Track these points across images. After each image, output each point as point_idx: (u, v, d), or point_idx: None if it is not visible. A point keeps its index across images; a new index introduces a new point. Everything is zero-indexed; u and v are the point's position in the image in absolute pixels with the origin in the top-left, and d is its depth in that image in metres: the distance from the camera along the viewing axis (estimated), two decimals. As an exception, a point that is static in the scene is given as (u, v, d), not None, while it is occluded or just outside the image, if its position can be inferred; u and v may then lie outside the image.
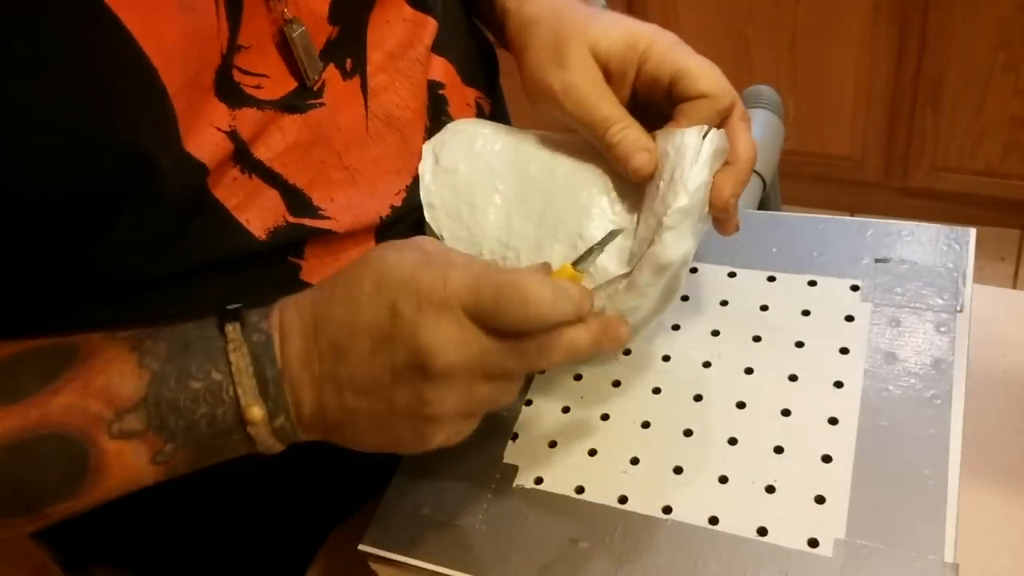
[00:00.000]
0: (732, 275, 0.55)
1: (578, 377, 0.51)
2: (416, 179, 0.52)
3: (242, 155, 0.43)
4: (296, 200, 0.46)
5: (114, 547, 0.60)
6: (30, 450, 0.36)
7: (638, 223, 0.47)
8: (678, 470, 0.46)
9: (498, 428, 0.50)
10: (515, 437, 0.49)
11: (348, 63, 0.49)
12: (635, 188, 0.48)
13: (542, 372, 0.52)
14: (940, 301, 0.50)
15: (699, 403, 0.49)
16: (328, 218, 0.48)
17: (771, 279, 0.54)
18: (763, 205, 0.89)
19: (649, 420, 0.49)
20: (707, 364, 0.51)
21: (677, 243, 0.44)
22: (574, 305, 0.38)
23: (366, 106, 0.50)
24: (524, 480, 0.48)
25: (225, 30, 0.41)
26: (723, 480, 0.45)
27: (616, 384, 0.51)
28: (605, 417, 0.49)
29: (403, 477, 0.49)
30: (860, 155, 1.74)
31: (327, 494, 0.57)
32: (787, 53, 1.63)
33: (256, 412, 0.38)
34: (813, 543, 0.42)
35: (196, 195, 0.42)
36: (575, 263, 0.44)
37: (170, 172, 0.39)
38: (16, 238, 0.38)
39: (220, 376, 0.38)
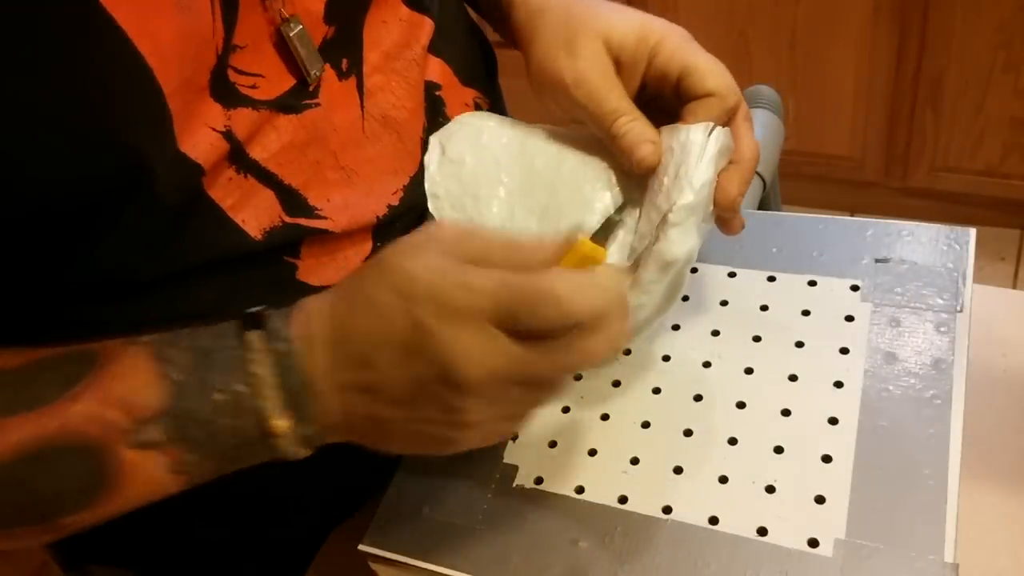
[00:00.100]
0: (732, 275, 0.55)
1: (578, 377, 0.51)
2: (413, 179, 0.53)
3: (237, 155, 0.43)
4: (292, 200, 0.46)
5: (114, 547, 0.60)
6: (47, 460, 0.36)
7: (639, 218, 0.47)
8: (678, 470, 0.46)
9: (498, 428, 0.50)
10: (515, 437, 0.49)
11: (344, 63, 0.49)
12: (639, 184, 0.48)
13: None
14: (940, 301, 0.50)
15: (699, 403, 0.49)
16: (324, 218, 0.48)
17: (771, 279, 0.54)
18: (763, 205, 0.89)
19: (649, 420, 0.49)
20: (707, 364, 0.51)
21: (682, 240, 0.44)
22: (608, 299, 0.36)
23: (362, 106, 0.50)
24: (524, 480, 0.48)
25: (220, 30, 0.40)
26: (723, 480, 0.45)
27: (616, 384, 0.51)
28: (605, 417, 0.49)
29: (403, 477, 0.49)
30: (860, 155, 1.74)
31: (327, 494, 0.57)
32: (787, 53, 1.63)
33: (281, 424, 0.37)
34: (813, 543, 0.42)
35: (192, 196, 0.42)
36: (594, 236, 0.42)
37: (166, 173, 0.39)
38: (14, 239, 0.38)
39: (243, 388, 0.37)
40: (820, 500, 0.43)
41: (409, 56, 0.53)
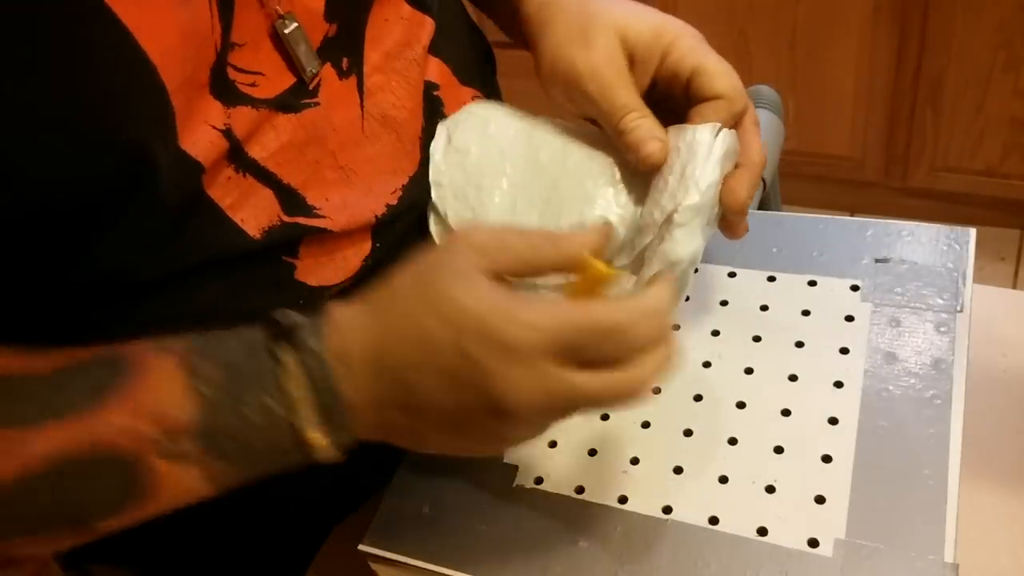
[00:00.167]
0: (732, 275, 0.55)
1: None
2: (412, 179, 0.52)
3: (236, 154, 0.43)
4: (290, 199, 0.46)
5: (114, 546, 0.60)
6: (79, 469, 0.35)
7: (640, 215, 0.47)
8: (678, 470, 0.46)
9: (498, 428, 0.50)
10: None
11: (344, 62, 0.49)
12: (642, 182, 0.48)
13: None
14: (940, 301, 0.50)
15: (699, 403, 0.49)
16: (323, 217, 0.47)
17: (771, 279, 0.54)
18: (763, 205, 0.89)
19: (649, 420, 0.49)
20: (707, 364, 0.51)
21: (687, 240, 0.44)
22: (664, 324, 0.38)
23: (362, 106, 0.50)
24: (524, 480, 0.48)
25: (218, 27, 0.40)
26: (723, 480, 0.45)
27: (616, 384, 0.51)
28: (605, 417, 0.49)
29: (404, 477, 0.49)
30: (860, 155, 1.74)
31: (328, 492, 0.57)
32: (787, 53, 1.63)
33: (317, 437, 0.37)
34: (813, 543, 0.42)
35: (192, 194, 0.42)
36: (608, 262, 0.42)
37: (168, 170, 0.39)
38: (16, 239, 0.38)
39: (277, 406, 0.37)
40: (820, 500, 0.43)
41: (410, 56, 0.53)
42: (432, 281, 0.37)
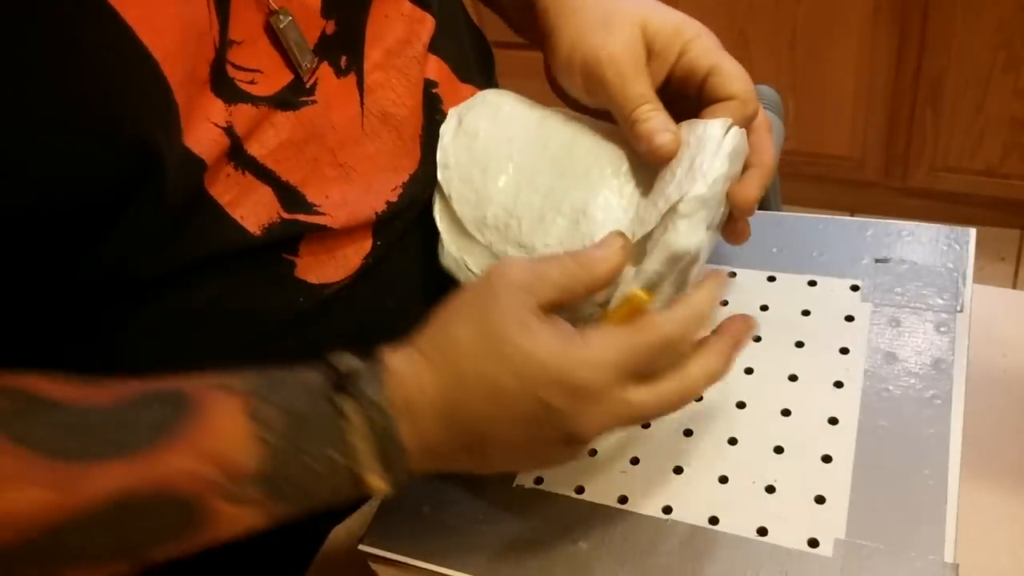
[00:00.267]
0: (732, 275, 0.55)
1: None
2: (412, 177, 0.52)
3: (236, 151, 0.43)
4: (290, 197, 0.46)
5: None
6: (141, 507, 0.36)
7: (644, 205, 0.47)
8: (678, 470, 0.46)
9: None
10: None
11: (343, 60, 0.49)
12: (647, 175, 0.48)
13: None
14: (940, 301, 0.50)
15: (699, 403, 0.49)
16: (323, 214, 0.48)
17: (771, 279, 0.54)
18: (763, 205, 0.89)
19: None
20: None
21: (691, 232, 0.43)
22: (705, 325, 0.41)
23: (362, 103, 0.50)
24: (524, 480, 0.48)
25: (216, 23, 0.40)
26: (723, 480, 0.45)
27: (616, 384, 0.51)
28: (605, 417, 0.49)
29: (403, 477, 0.49)
30: (860, 155, 1.74)
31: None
32: (787, 53, 1.63)
33: (378, 483, 0.38)
34: (813, 543, 0.42)
35: (193, 192, 0.42)
36: (646, 290, 0.43)
37: (172, 167, 0.39)
38: (21, 239, 0.38)
39: (339, 456, 0.38)
40: (820, 500, 0.43)
41: (410, 53, 0.53)
42: (494, 333, 0.38)
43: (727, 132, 0.45)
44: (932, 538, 0.40)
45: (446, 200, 0.52)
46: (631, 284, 0.45)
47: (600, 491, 0.46)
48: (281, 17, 0.44)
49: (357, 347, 0.52)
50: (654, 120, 0.46)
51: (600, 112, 0.51)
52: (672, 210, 0.44)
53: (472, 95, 0.58)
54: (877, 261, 0.53)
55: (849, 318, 0.51)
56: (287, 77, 0.45)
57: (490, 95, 0.55)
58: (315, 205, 0.47)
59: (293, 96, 0.46)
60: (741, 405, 0.48)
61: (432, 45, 0.55)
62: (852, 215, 1.84)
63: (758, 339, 0.51)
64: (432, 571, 0.45)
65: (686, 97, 0.49)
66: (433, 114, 0.54)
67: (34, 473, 0.34)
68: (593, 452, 0.48)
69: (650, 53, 0.48)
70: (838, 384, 0.48)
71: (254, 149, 0.44)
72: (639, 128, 0.46)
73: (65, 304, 0.43)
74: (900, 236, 0.54)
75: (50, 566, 0.36)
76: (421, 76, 0.54)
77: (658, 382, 0.40)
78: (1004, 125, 1.57)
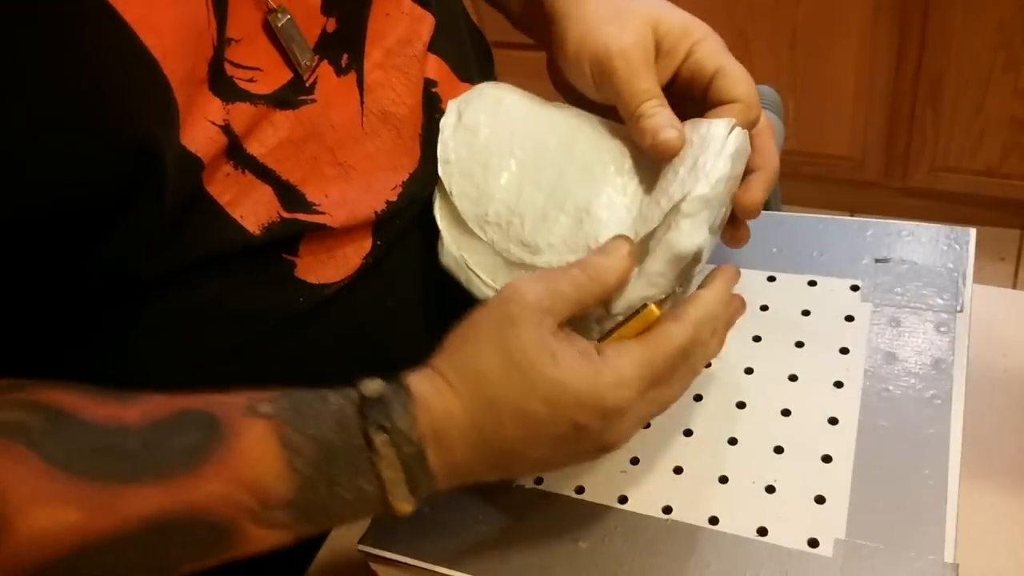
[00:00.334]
0: (732, 275, 0.55)
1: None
2: (412, 176, 0.52)
3: (235, 150, 0.43)
4: (289, 195, 0.46)
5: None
6: (174, 530, 0.36)
7: (646, 203, 0.47)
8: (678, 470, 0.46)
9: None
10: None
11: (344, 59, 0.49)
12: (649, 173, 0.48)
13: None
14: (940, 301, 0.50)
15: (699, 403, 0.49)
16: (322, 213, 0.47)
17: (771, 279, 0.54)
18: (763, 205, 0.89)
19: (649, 420, 0.49)
20: (707, 364, 0.51)
21: (693, 232, 0.43)
22: (715, 327, 0.43)
23: (362, 102, 0.50)
24: (524, 480, 0.48)
25: (214, 21, 0.40)
26: (723, 480, 0.45)
27: (616, 384, 0.51)
28: (605, 417, 0.49)
29: (403, 477, 0.49)
30: (860, 155, 1.74)
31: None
32: (787, 53, 1.63)
33: (405, 507, 0.39)
34: (813, 543, 0.42)
35: (192, 191, 0.42)
36: (658, 303, 0.44)
37: (171, 166, 0.39)
38: (22, 240, 0.38)
39: (370, 486, 0.38)
40: (820, 500, 0.43)
41: (411, 52, 0.53)
42: (520, 362, 0.39)
43: (730, 132, 0.45)
44: (932, 538, 0.40)
45: (447, 196, 0.52)
46: (633, 285, 0.45)
47: (600, 491, 0.46)
48: (279, 15, 0.44)
49: (358, 347, 0.52)
50: (660, 116, 0.46)
51: (599, 108, 0.51)
52: (675, 209, 0.43)
53: None
54: (877, 261, 0.53)
55: (849, 318, 0.51)
56: (286, 75, 0.45)
57: (488, 88, 0.55)
58: (315, 204, 0.47)
59: (292, 95, 0.46)
60: (741, 405, 0.48)
61: (432, 44, 0.55)
62: (852, 215, 1.84)
63: (758, 339, 0.51)
64: (432, 571, 0.45)
65: (690, 98, 0.49)
66: (433, 113, 0.54)
67: (66, 493, 0.34)
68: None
69: (658, 51, 0.48)
70: (838, 384, 0.48)
71: (253, 148, 0.44)
72: (644, 122, 0.46)
73: (66, 304, 0.43)
74: (900, 236, 0.54)
75: None
76: (421, 75, 0.54)
77: (673, 379, 0.42)
78: (1004, 125, 1.57)
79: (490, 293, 0.49)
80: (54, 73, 0.34)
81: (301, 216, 0.47)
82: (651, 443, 0.48)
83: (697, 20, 0.49)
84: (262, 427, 0.38)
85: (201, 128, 0.41)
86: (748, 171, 0.48)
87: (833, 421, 0.46)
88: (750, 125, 0.47)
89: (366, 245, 0.51)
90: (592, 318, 0.45)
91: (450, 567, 0.45)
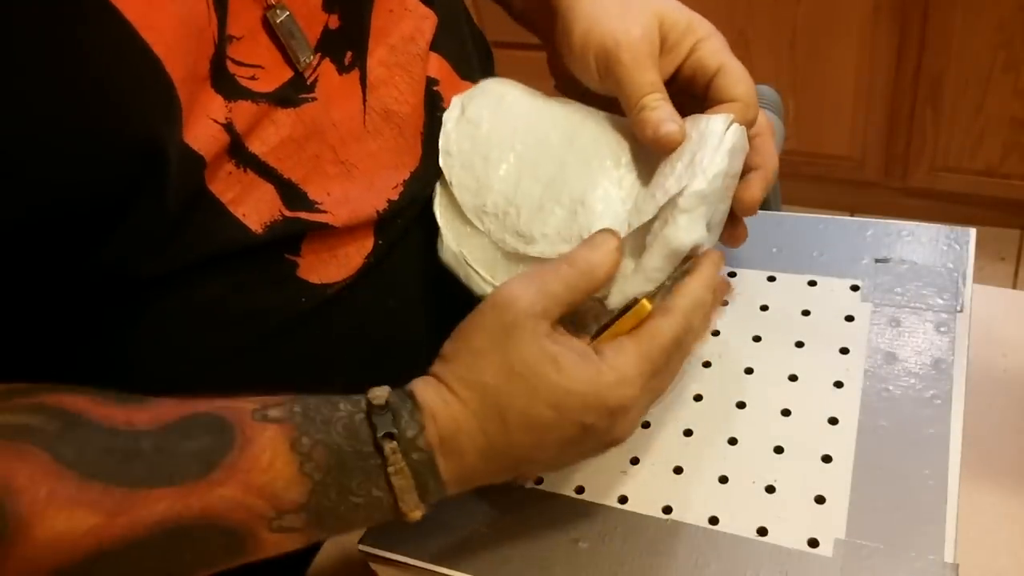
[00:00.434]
0: (732, 275, 0.55)
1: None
2: (414, 174, 0.53)
3: (237, 149, 0.43)
4: (291, 194, 0.46)
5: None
6: (189, 535, 0.36)
7: (641, 196, 0.47)
8: (678, 470, 0.46)
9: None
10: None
11: (348, 56, 0.49)
12: (647, 167, 0.48)
13: None
14: (940, 301, 0.50)
15: (699, 403, 0.49)
16: (324, 212, 0.47)
17: (771, 279, 0.54)
18: (763, 205, 0.88)
19: (649, 420, 0.49)
20: (707, 364, 0.51)
21: (690, 227, 0.43)
22: (706, 312, 0.44)
23: (364, 100, 0.50)
24: (524, 480, 0.47)
25: (214, 18, 0.40)
26: (723, 480, 0.45)
27: (616, 384, 0.51)
28: (605, 417, 0.49)
29: (403, 477, 0.49)
30: (860, 155, 1.74)
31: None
32: (787, 53, 1.63)
33: (415, 513, 0.39)
34: (813, 543, 0.42)
35: (195, 190, 0.42)
36: (649, 297, 0.44)
37: (174, 164, 0.39)
38: (26, 241, 0.38)
39: (382, 494, 0.39)
40: (820, 500, 0.43)
41: (413, 51, 0.53)
42: (522, 372, 0.39)
43: (728, 128, 0.45)
44: (932, 538, 0.40)
45: (446, 190, 0.52)
46: (630, 281, 0.45)
47: (600, 491, 0.46)
48: (278, 11, 0.44)
49: (359, 347, 0.52)
50: (661, 109, 0.46)
51: (599, 101, 0.51)
52: (672, 204, 0.44)
53: None
54: (877, 261, 0.53)
55: (849, 318, 0.51)
56: (287, 73, 0.45)
57: (492, 84, 0.55)
58: (317, 203, 0.47)
59: (293, 93, 0.46)
60: (741, 405, 0.48)
61: (434, 43, 0.55)
62: (852, 215, 1.84)
63: (758, 339, 0.51)
64: (432, 571, 0.45)
65: (691, 95, 0.49)
66: (435, 112, 0.54)
67: (82, 496, 0.34)
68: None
69: (663, 47, 0.48)
70: (838, 384, 0.48)
71: (255, 146, 0.44)
72: (646, 115, 0.46)
73: (68, 304, 0.43)
74: (900, 236, 0.54)
75: None
76: (424, 74, 0.54)
77: (669, 367, 0.43)
78: (1004, 125, 1.57)
79: (488, 289, 0.49)
80: (55, 73, 0.34)
81: (303, 215, 0.47)
82: (651, 443, 0.48)
83: (701, 17, 0.50)
84: (273, 431, 0.38)
85: (203, 126, 0.41)
86: (747, 170, 0.48)
87: (833, 421, 0.46)
88: (748, 124, 0.47)
89: (368, 244, 0.51)
90: (591, 315, 0.45)
91: (450, 567, 0.45)
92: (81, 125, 0.35)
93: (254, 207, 0.45)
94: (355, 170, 0.49)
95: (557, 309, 0.41)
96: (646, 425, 0.48)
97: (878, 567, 0.40)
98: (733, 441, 0.47)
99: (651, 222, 0.45)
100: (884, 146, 1.70)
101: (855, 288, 0.52)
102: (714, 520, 0.44)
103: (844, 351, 0.49)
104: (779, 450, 0.46)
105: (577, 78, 0.52)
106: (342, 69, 0.48)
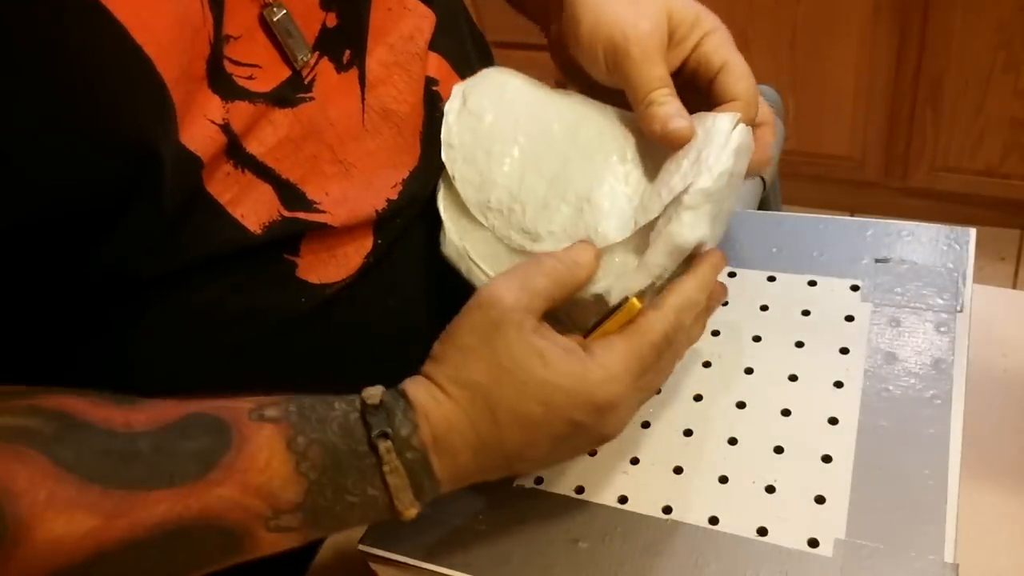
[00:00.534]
0: (732, 275, 0.55)
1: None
2: (413, 173, 0.52)
3: (234, 149, 0.43)
4: (290, 194, 0.46)
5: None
6: (187, 536, 0.36)
7: (647, 193, 0.47)
8: (678, 470, 0.46)
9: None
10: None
11: (346, 55, 0.48)
12: (652, 163, 0.48)
13: None
14: (940, 301, 0.50)
15: (699, 403, 0.49)
16: (323, 212, 0.47)
17: (771, 279, 0.54)
18: (763, 205, 0.89)
19: (649, 420, 0.49)
20: (707, 364, 0.51)
21: (695, 224, 0.43)
22: (698, 312, 0.44)
23: (363, 99, 0.50)
24: (524, 480, 0.48)
25: (210, 18, 0.40)
26: (723, 480, 0.45)
27: (616, 384, 0.51)
28: (605, 417, 0.49)
29: (403, 477, 0.49)
30: (860, 155, 1.74)
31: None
32: (787, 53, 1.63)
33: (410, 512, 0.40)
34: (813, 543, 0.42)
35: (192, 190, 0.42)
36: (639, 295, 0.44)
37: (169, 165, 0.39)
38: (22, 243, 0.38)
39: (378, 493, 0.39)
40: (820, 500, 0.43)
41: (412, 49, 0.53)
42: (511, 370, 0.40)
43: (735, 127, 0.45)
44: (932, 538, 0.40)
45: (450, 185, 0.52)
46: (634, 276, 0.45)
47: (600, 491, 0.46)
48: (275, 10, 0.44)
49: (359, 347, 0.52)
50: (670, 104, 0.46)
51: (601, 92, 0.51)
52: (676, 201, 0.43)
53: None
54: (877, 261, 0.53)
55: (849, 318, 0.51)
56: (285, 73, 0.45)
57: (494, 73, 0.55)
58: (315, 203, 0.47)
59: (291, 92, 0.46)
60: (741, 405, 0.48)
61: (433, 43, 0.55)
62: (852, 215, 1.84)
63: (758, 339, 0.51)
64: (432, 571, 0.45)
65: (694, 88, 0.49)
66: (433, 112, 0.54)
67: (81, 499, 0.34)
68: (593, 452, 0.48)
69: (670, 40, 0.48)
70: (838, 384, 0.48)
71: (253, 147, 0.44)
72: (654, 110, 0.46)
73: (67, 306, 0.43)
74: (900, 236, 0.54)
75: None
76: (423, 72, 0.54)
77: (659, 365, 0.43)
78: (1004, 125, 1.57)
79: None
80: (47, 74, 0.34)
81: (302, 215, 0.47)
82: (651, 443, 0.48)
83: (707, 11, 0.49)
84: (269, 431, 0.38)
85: (200, 127, 0.41)
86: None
87: (833, 421, 0.46)
88: (748, 122, 0.47)
89: (367, 244, 0.51)
90: (589, 313, 0.45)
91: (450, 567, 0.45)
92: (74, 126, 0.35)
93: (252, 208, 0.45)
94: (353, 169, 0.49)
95: (542, 303, 0.41)
96: (646, 425, 0.48)
97: (878, 567, 0.40)
98: (733, 441, 0.47)
99: (655, 219, 0.45)
100: (884, 146, 1.70)
101: (855, 288, 0.52)
102: (714, 520, 0.44)
103: (844, 351, 0.49)
104: (779, 450, 0.46)
105: (582, 69, 0.51)
106: (340, 68, 0.48)
